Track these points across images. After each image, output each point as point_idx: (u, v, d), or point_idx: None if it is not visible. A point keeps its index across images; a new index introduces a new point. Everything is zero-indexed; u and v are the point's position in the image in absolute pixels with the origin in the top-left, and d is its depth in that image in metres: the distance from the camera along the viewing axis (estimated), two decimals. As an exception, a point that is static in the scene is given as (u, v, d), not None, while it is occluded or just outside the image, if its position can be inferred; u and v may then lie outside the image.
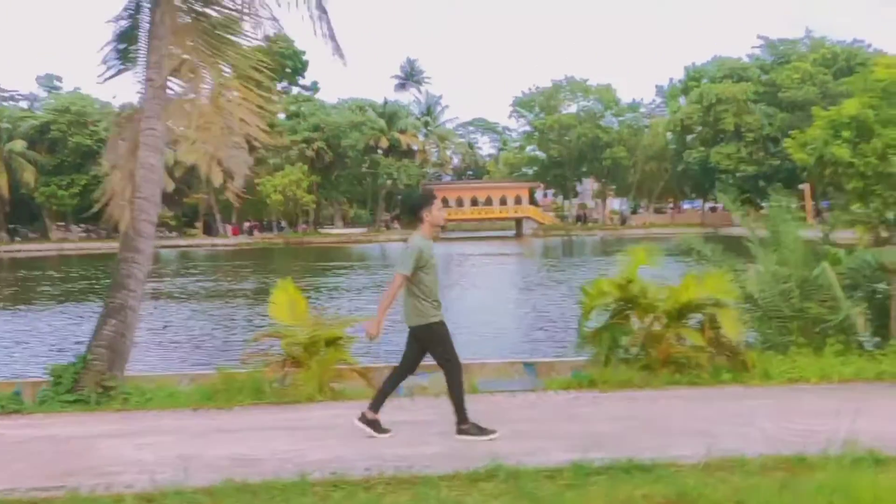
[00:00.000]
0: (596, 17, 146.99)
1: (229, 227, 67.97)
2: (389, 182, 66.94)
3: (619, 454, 4.84)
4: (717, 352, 7.33)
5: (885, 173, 6.77)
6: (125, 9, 9.35)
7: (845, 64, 60.60)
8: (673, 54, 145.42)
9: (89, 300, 22.45)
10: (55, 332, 16.64)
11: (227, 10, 9.60)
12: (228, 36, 9.59)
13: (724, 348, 7.29)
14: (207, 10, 9.52)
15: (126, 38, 9.68)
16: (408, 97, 77.43)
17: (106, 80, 9.81)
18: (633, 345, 7.52)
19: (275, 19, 9.99)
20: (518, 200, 71.01)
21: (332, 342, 7.40)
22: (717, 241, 9.00)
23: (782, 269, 7.78)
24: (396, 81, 77.94)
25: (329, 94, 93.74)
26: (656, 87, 73.63)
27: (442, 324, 5.55)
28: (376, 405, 5.59)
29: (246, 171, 10.33)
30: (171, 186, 66.83)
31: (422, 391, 8.39)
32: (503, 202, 70.86)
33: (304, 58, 62.61)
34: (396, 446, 5.29)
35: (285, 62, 61.03)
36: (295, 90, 67.99)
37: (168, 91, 9.13)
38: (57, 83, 69.67)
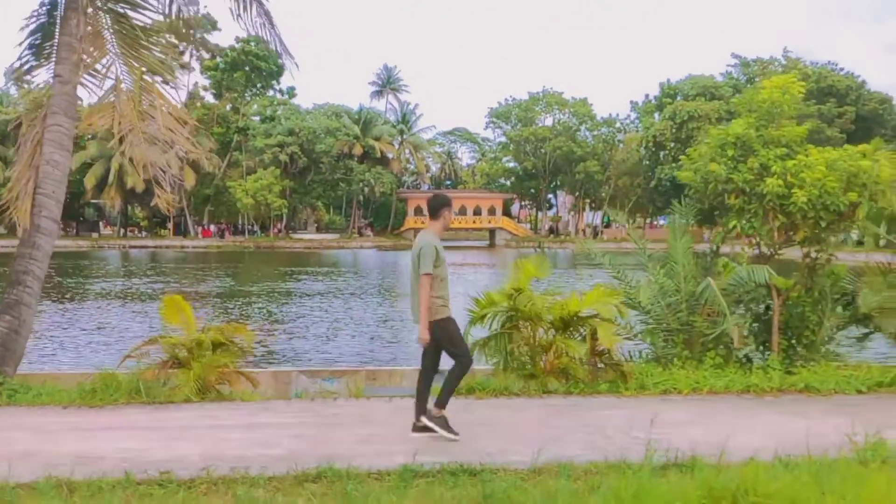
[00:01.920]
0: (575, 31, 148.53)
1: (200, 229, 67.52)
2: (367, 189, 66.93)
3: (461, 459, 4.92)
4: (599, 363, 7.45)
5: (761, 192, 6.91)
6: (41, 4, 9.33)
7: (815, 86, 61.85)
8: (650, 70, 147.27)
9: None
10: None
11: (150, 15, 9.59)
12: (152, 41, 9.61)
13: (606, 359, 7.40)
14: (129, 13, 9.52)
15: (42, 34, 9.65)
16: (384, 105, 77.62)
17: (20, 76, 9.80)
18: (521, 354, 7.59)
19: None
20: (492, 211, 71.38)
21: (219, 345, 7.40)
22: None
23: (669, 283, 7.92)
24: (373, 88, 78.03)
25: (305, 100, 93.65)
26: (631, 102, 74.48)
27: (450, 319, 5.66)
28: (422, 407, 5.63)
29: (172, 175, 10.28)
30: (141, 187, 66.81)
31: (328, 395, 8.45)
32: (477, 212, 71.17)
33: (281, 61, 62.51)
34: (244, 448, 5.31)
35: (260, 64, 60.93)
36: (270, 93, 67.80)
37: (87, 92, 9.19)
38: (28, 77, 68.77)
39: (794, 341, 8.04)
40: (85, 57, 9.20)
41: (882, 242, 8.20)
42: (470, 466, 4.77)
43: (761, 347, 8.06)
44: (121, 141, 9.38)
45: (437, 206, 5.82)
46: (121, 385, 6.99)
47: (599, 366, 7.54)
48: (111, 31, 9.43)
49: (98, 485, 4.44)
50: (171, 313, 7.61)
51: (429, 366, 5.85)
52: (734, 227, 7.36)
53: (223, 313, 19.31)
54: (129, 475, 4.55)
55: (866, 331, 8.37)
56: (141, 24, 9.46)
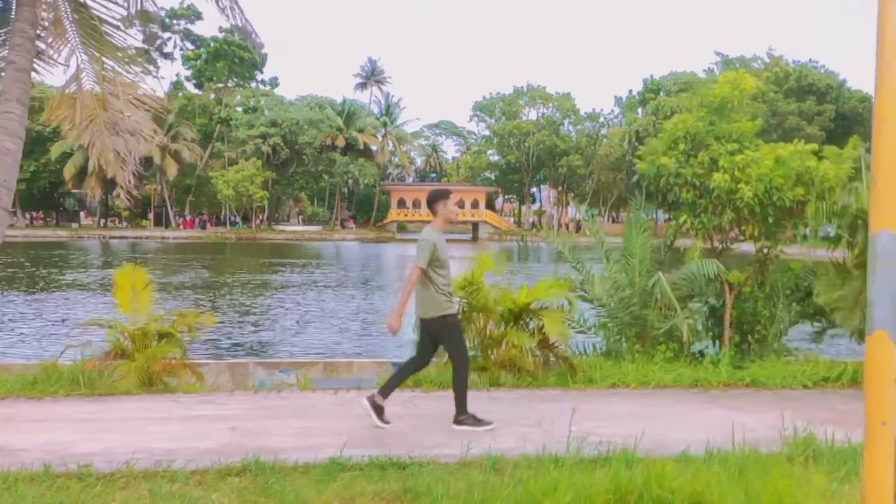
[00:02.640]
0: (562, 26, 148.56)
1: (182, 220, 66.97)
2: (351, 181, 66.58)
3: (393, 452, 4.87)
4: (550, 355, 7.42)
5: (710, 187, 6.89)
6: (-3, -9, 9.12)
7: (795, 84, 62.30)
8: (636, 66, 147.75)
9: None
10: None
11: (110, 5, 9.41)
12: (115, 31, 9.45)
13: (556, 352, 7.38)
14: (88, 2, 9.35)
15: (-2, 21, 9.44)
16: (368, 97, 77.25)
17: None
18: (473, 347, 7.55)
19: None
20: (475, 204, 71.32)
21: (165, 335, 7.30)
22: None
23: (622, 277, 7.91)
24: (357, 80, 77.59)
25: (289, 92, 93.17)
26: (615, 97, 74.65)
27: (454, 316, 5.67)
28: (385, 392, 5.61)
29: (134, 167, 10.10)
30: (121, 177, 66.05)
31: (286, 387, 8.37)
32: (460, 205, 71.03)
33: (263, 51, 61.92)
34: (175, 441, 5.23)
35: (242, 54, 60.35)
36: (253, 84, 67.25)
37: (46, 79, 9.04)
38: None
39: (749, 336, 8.07)
40: (41, 45, 9.03)
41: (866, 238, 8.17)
42: (399, 460, 4.72)
43: (717, 342, 8.07)
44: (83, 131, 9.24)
45: (431, 202, 5.80)
46: (63, 376, 6.88)
47: (552, 359, 7.52)
48: (71, 19, 9.26)
49: (15, 477, 4.34)
50: (125, 295, 7.49)
51: (420, 360, 5.83)
52: (685, 221, 7.36)
53: (194, 305, 19.13)
54: (48, 468, 4.46)
55: (820, 326, 8.42)
56: (101, 14, 9.30)
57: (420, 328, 5.78)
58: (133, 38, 10.22)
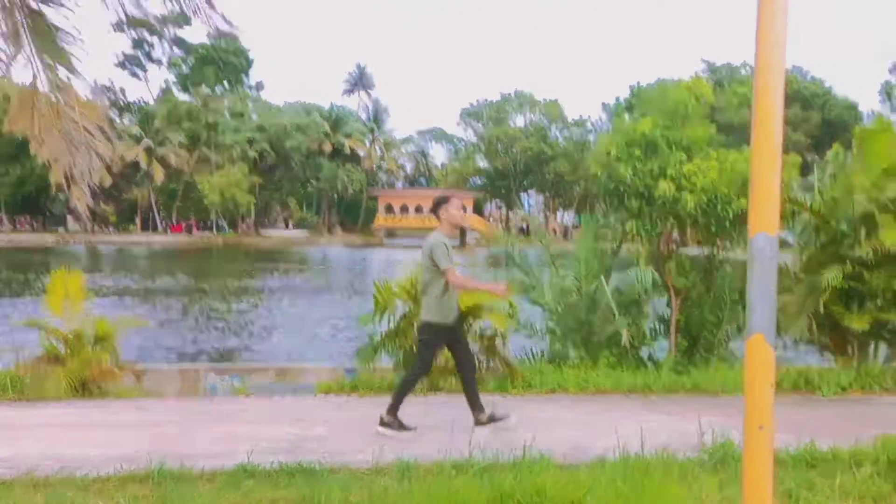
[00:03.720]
0: (550, 33, 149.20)
1: (169, 225, 66.70)
2: (341, 186, 66.49)
3: (308, 458, 4.78)
4: (492, 360, 7.36)
5: (655, 195, 6.85)
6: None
7: (781, 91, 62.72)
8: (624, 73, 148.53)
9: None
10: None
11: (67, 13, 9.34)
12: (69, 39, 9.38)
13: (498, 356, 7.32)
14: (43, 8, 9.27)
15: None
16: (356, 103, 77.26)
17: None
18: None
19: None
20: (462, 210, 71.40)
21: (101, 339, 7.20)
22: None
23: (569, 283, 7.86)
24: (345, 87, 77.60)
25: (276, 97, 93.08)
26: (603, 104, 74.86)
27: (442, 327, 5.53)
28: (475, 407, 5.64)
29: (91, 178, 10.04)
30: (108, 181, 65.75)
31: (234, 390, 8.29)
32: (447, 210, 71.00)
33: (250, 55, 62.03)
34: (88, 447, 5.13)
35: (231, 59, 60.28)
36: (239, 89, 67.14)
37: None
38: (-7, 70, 67.43)
39: (698, 342, 8.02)
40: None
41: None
42: (309, 466, 4.63)
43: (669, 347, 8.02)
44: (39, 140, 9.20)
45: (434, 207, 5.76)
46: (-8, 382, 6.76)
47: (502, 367, 7.44)
48: (25, 27, 9.19)
49: None
50: (57, 299, 7.38)
51: (462, 364, 5.77)
52: (632, 227, 7.30)
53: (165, 309, 18.99)
54: (-57, 476, 4.35)
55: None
56: (57, 21, 9.22)
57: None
58: (83, 46, 10.15)
